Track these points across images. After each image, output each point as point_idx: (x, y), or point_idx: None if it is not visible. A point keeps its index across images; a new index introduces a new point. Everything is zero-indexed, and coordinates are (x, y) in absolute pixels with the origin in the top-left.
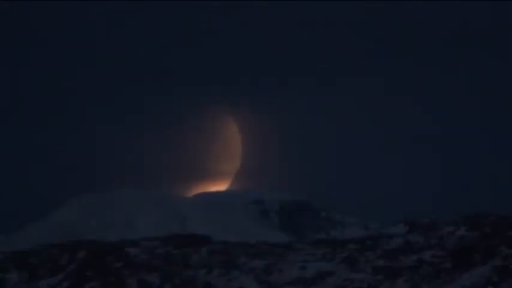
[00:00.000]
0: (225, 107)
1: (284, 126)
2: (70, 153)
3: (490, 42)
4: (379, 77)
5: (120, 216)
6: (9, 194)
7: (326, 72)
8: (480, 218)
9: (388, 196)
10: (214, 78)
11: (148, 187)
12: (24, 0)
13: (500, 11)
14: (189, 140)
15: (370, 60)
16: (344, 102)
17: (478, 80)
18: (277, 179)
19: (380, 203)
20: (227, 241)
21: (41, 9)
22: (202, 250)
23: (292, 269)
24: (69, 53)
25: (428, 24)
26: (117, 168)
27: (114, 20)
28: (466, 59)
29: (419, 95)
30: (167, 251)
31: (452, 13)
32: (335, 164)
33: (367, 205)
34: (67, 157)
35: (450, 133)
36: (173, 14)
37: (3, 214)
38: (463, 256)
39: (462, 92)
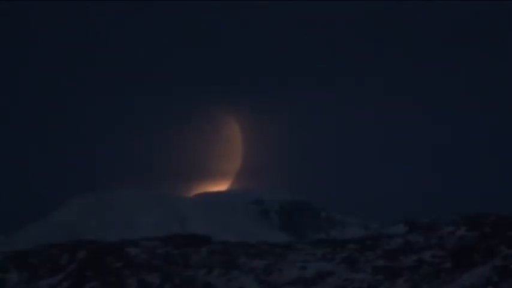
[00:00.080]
0: (225, 107)
1: (284, 126)
2: (70, 153)
3: (490, 42)
4: (379, 77)
5: (120, 216)
6: (9, 194)
7: (326, 72)
8: (480, 218)
9: (388, 196)
10: (214, 78)
11: (148, 187)
12: (24, 0)
13: (500, 11)
14: (189, 140)
15: (370, 60)
16: (344, 102)
17: (478, 80)
18: (278, 179)
19: (380, 203)
20: (227, 241)
21: (41, 9)
22: (202, 250)
23: (292, 269)
24: (69, 53)
25: (428, 24)
26: (117, 168)
27: (114, 20)
28: (466, 59)
29: (419, 95)
30: (167, 251)
31: (452, 13)
32: (335, 164)
33: (367, 205)
34: (67, 157)
35: (450, 133)
36: (173, 14)
37: (3, 214)
38: (463, 256)
39: (462, 92)
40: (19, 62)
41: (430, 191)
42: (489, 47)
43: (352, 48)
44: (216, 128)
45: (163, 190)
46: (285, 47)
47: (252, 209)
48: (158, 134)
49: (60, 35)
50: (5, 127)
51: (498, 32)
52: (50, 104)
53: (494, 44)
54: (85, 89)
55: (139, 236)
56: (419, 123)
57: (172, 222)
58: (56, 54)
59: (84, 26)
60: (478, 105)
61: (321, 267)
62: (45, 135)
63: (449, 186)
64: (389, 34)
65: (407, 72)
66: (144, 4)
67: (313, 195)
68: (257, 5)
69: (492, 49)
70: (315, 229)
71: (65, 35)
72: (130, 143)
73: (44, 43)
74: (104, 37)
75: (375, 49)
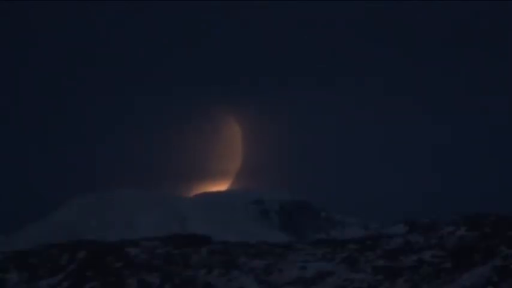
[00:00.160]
0: (225, 107)
1: (284, 126)
2: (70, 153)
3: (490, 42)
4: (379, 77)
5: (120, 216)
6: (9, 194)
7: (326, 72)
8: (480, 218)
9: (388, 196)
10: (214, 78)
11: (148, 187)
12: (24, 0)
13: (500, 11)
14: (189, 140)
15: (370, 60)
16: (344, 102)
17: (478, 80)
18: (278, 179)
19: (380, 203)
20: (227, 241)
21: (41, 9)
22: (202, 250)
23: (292, 269)
24: (69, 53)
25: (428, 24)
26: (117, 168)
27: (114, 20)
28: (466, 59)
29: (419, 95)
30: (167, 251)
31: (452, 13)
32: (335, 164)
33: (367, 205)
34: (67, 157)
35: (450, 133)
36: (173, 14)
37: (3, 214)
38: (463, 256)
39: (462, 92)
40: (19, 62)
41: (430, 191)
42: (489, 47)
43: (352, 48)
44: (216, 128)
45: (163, 190)
46: (285, 47)
47: (252, 209)
48: (158, 134)
49: (60, 35)
50: (5, 127)
51: (498, 32)
52: (50, 104)
53: (494, 44)
54: (85, 89)
55: (139, 236)
56: (419, 123)
57: (172, 222)
58: (56, 54)
59: (84, 26)
60: (478, 105)
61: (321, 267)
62: (45, 135)
63: (449, 186)
64: (389, 34)
65: (407, 72)
66: (144, 4)
67: (313, 195)
68: (257, 5)
69: (492, 49)
70: (315, 229)
71: (65, 35)
72: (130, 143)
73: (44, 43)
74: (104, 37)
75: (375, 49)
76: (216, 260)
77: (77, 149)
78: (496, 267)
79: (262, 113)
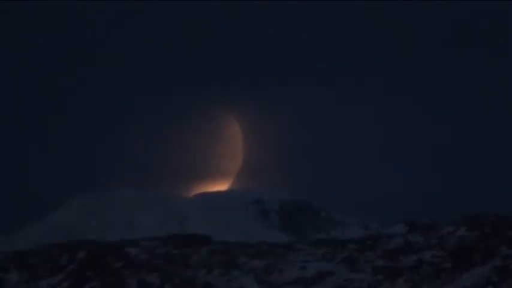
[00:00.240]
0: (225, 107)
1: (284, 126)
2: (70, 153)
3: (490, 42)
4: (379, 77)
5: (120, 216)
6: (9, 194)
7: (326, 72)
8: (480, 218)
9: (388, 196)
10: (214, 78)
11: (148, 187)
12: (24, 0)
13: (500, 11)
14: (189, 140)
15: (370, 60)
16: (344, 102)
17: (478, 80)
18: (278, 179)
19: (380, 203)
20: (227, 241)
21: (41, 9)
22: (202, 250)
23: (292, 269)
24: (69, 53)
25: (428, 24)
26: (117, 168)
27: (114, 20)
28: (466, 59)
29: (419, 95)
30: (167, 251)
31: (452, 13)
32: (335, 164)
33: (367, 205)
34: (67, 157)
35: (450, 133)
36: (173, 14)
37: (3, 214)
38: (463, 256)
39: (462, 92)
40: (19, 62)
41: (430, 191)
42: (489, 47)
43: (352, 48)
44: (216, 128)
45: (163, 190)
46: (285, 47)
47: (252, 209)
48: (158, 134)
49: (60, 35)
50: (5, 127)
51: (498, 32)
52: (50, 104)
53: (494, 44)
54: (85, 89)
55: (139, 236)
56: (419, 123)
57: (172, 222)
58: (56, 54)
59: (84, 26)
60: (478, 105)
61: (321, 267)
62: (45, 135)
63: (449, 186)
64: (389, 34)
65: (407, 72)
66: (144, 4)
67: (313, 195)
68: (257, 5)
69: (492, 49)
70: (315, 229)
71: (65, 35)
72: (130, 143)
73: (44, 43)
74: (104, 37)
75: (375, 49)
76: (216, 260)
77: (77, 149)
78: (496, 267)
79: (262, 113)
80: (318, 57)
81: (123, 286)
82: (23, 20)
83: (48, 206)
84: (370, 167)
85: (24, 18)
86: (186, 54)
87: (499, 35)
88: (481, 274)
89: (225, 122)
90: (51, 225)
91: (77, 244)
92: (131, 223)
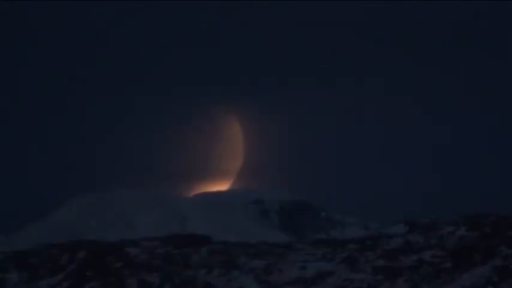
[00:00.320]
0: (225, 107)
1: (284, 126)
2: (70, 153)
3: (490, 42)
4: (379, 77)
5: (120, 216)
6: (9, 194)
7: (326, 72)
8: (480, 218)
9: (388, 196)
10: (214, 78)
11: (148, 187)
12: (24, 0)
13: (500, 11)
14: (189, 140)
15: (370, 60)
16: (344, 102)
17: (478, 80)
18: (278, 179)
19: (380, 203)
20: (227, 241)
21: (41, 9)
22: (202, 250)
23: (292, 269)
24: (69, 53)
25: (428, 24)
26: (117, 168)
27: (114, 20)
28: (466, 59)
29: (419, 95)
30: (167, 251)
31: (452, 13)
32: (335, 164)
33: (367, 205)
34: (67, 157)
35: (450, 133)
36: (173, 14)
37: (3, 214)
38: (463, 256)
39: (462, 92)
40: (19, 62)
41: (430, 191)
42: (489, 47)
43: (352, 48)
44: (217, 128)
45: (163, 190)
46: (285, 47)
47: (252, 209)
48: (158, 134)
49: (60, 35)
50: (5, 127)
51: (498, 32)
52: (50, 104)
53: (494, 44)
54: (85, 89)
55: (139, 236)
56: (419, 123)
57: (172, 222)
58: (56, 54)
59: (84, 26)
60: (478, 105)
61: (321, 267)
62: (45, 135)
63: (449, 186)
64: (390, 34)
65: (407, 72)
66: (144, 4)
67: (313, 195)
68: (257, 5)
69: (492, 49)
70: (315, 229)
71: (65, 35)
72: (131, 143)
73: (44, 43)
74: (104, 37)
75: (375, 49)
76: (216, 260)
77: (77, 149)
78: (496, 267)
79: (262, 113)
80: (318, 57)
81: (123, 286)
82: (23, 20)
83: (48, 206)
84: (370, 167)
85: (24, 18)
86: (186, 54)
87: (499, 35)
88: (481, 274)
89: (225, 122)
90: (51, 225)
91: (77, 244)
92: (131, 223)
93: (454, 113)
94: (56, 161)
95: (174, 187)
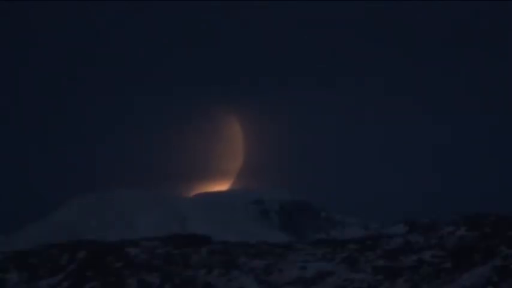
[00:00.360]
0: (225, 107)
1: (284, 126)
2: (70, 153)
3: (490, 42)
4: (379, 77)
5: (120, 216)
6: (9, 194)
7: (326, 72)
8: (480, 218)
9: (388, 196)
10: (214, 78)
11: (148, 187)
12: (24, 0)
13: (500, 11)
14: (189, 140)
15: (370, 60)
16: (344, 102)
17: (478, 80)
18: (278, 179)
19: (380, 203)
20: (227, 241)
21: (41, 9)
22: (202, 250)
23: (292, 269)
24: (69, 53)
25: (428, 24)
26: (117, 168)
27: (114, 20)
28: (466, 59)
29: (419, 95)
30: (167, 251)
31: (452, 13)
32: (335, 164)
33: (367, 205)
34: (67, 157)
35: (450, 133)
36: (173, 14)
37: (3, 214)
38: (463, 256)
39: (462, 92)
40: (19, 62)
41: (430, 191)
42: (489, 47)
43: (352, 48)
44: (217, 128)
45: (163, 190)
46: (285, 47)
47: (252, 209)
48: (158, 134)
49: (60, 35)
50: (5, 127)
51: (498, 32)
52: (50, 104)
53: (494, 44)
54: (85, 89)
55: (139, 236)
56: (419, 123)
57: (172, 222)
58: (56, 54)
59: (84, 26)
60: (478, 105)
61: (321, 267)
62: (45, 135)
63: (449, 186)
64: (390, 34)
65: (407, 72)
66: (144, 4)
67: (313, 195)
68: (257, 5)
69: (492, 49)
70: (315, 229)
71: (65, 35)
72: (131, 143)
73: (44, 43)
74: (104, 37)
75: (375, 49)
76: (216, 260)
77: (77, 149)
78: (496, 267)
79: (262, 113)
80: (318, 57)
81: (123, 286)
82: (23, 20)
83: (48, 206)
84: (370, 167)
85: (24, 18)
86: (186, 54)
87: (499, 35)
88: (481, 274)
89: (225, 122)
90: (51, 225)
91: (77, 244)
92: (131, 223)
93: (454, 113)
94: (56, 161)
95: (174, 187)
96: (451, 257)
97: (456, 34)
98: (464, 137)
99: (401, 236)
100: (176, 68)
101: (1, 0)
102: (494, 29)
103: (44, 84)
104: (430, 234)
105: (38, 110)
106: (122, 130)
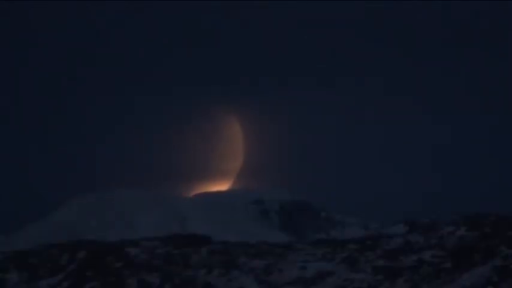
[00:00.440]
0: (225, 107)
1: (284, 126)
2: (70, 153)
3: (490, 42)
4: (379, 77)
5: (120, 216)
6: (9, 194)
7: (326, 72)
8: (480, 218)
9: (388, 196)
10: (214, 78)
11: (148, 187)
12: (24, 0)
13: (500, 11)
14: (189, 140)
15: (370, 60)
16: (344, 102)
17: (478, 80)
18: (278, 179)
19: (380, 203)
20: (227, 241)
21: (41, 9)
22: (202, 250)
23: (292, 269)
24: (69, 53)
25: (428, 24)
26: (117, 168)
27: (114, 20)
28: (466, 59)
29: (419, 95)
30: (167, 251)
31: (452, 13)
32: (335, 164)
33: (367, 205)
34: (67, 157)
35: (450, 133)
36: (173, 14)
37: (3, 214)
38: (463, 256)
39: (462, 92)
40: (19, 62)
41: (430, 191)
42: (489, 47)
43: (352, 48)
44: (217, 128)
45: (163, 190)
46: (285, 47)
47: (252, 209)
48: (158, 134)
49: (60, 35)
50: (5, 127)
51: (498, 32)
52: (50, 104)
53: (494, 44)
54: (85, 89)
55: (139, 236)
56: (419, 123)
57: (172, 222)
58: (56, 54)
59: (84, 26)
60: (478, 105)
61: (321, 267)
62: (45, 135)
63: (449, 186)
64: (390, 34)
65: (407, 72)
66: (144, 4)
67: (313, 195)
68: (257, 5)
69: (492, 49)
70: (315, 229)
71: (65, 35)
72: (131, 143)
73: (44, 43)
74: (104, 37)
75: (375, 49)
76: (216, 260)
77: (77, 149)
78: (496, 267)
79: (262, 113)
80: (318, 57)
81: (123, 286)
82: (23, 20)
83: (48, 206)
84: (370, 167)
85: (24, 18)
86: (186, 54)
87: (499, 35)
88: (481, 274)
89: (225, 122)
90: (51, 225)
91: (77, 244)
92: (131, 223)
93: (454, 113)
94: (56, 161)
95: (174, 187)
96: (451, 257)
97: (456, 34)
98: (464, 137)
99: (401, 236)
100: (176, 68)
101: (1, 0)
102: (494, 29)
103: (44, 84)
104: (430, 234)
105: (38, 110)
106: (122, 130)
